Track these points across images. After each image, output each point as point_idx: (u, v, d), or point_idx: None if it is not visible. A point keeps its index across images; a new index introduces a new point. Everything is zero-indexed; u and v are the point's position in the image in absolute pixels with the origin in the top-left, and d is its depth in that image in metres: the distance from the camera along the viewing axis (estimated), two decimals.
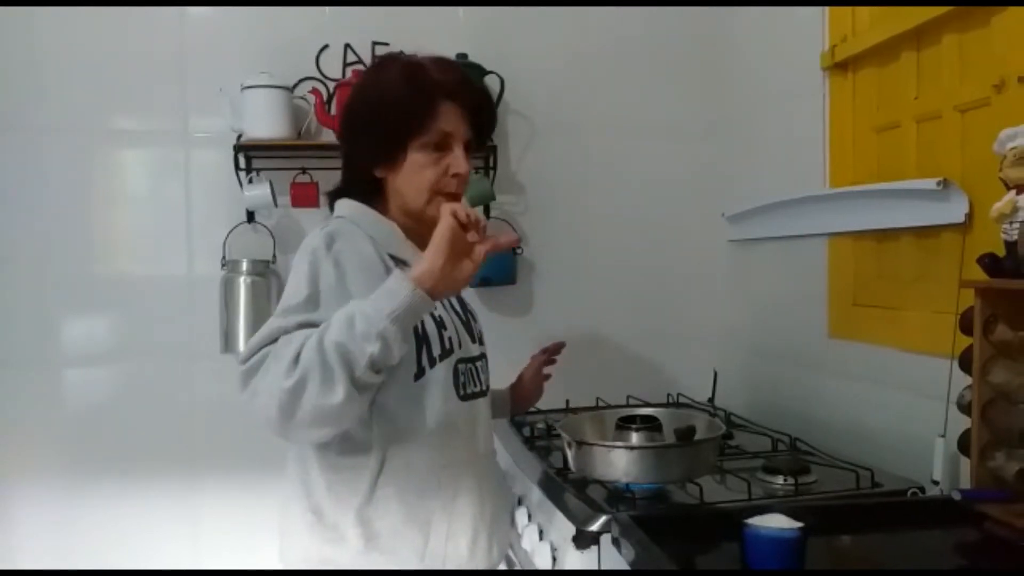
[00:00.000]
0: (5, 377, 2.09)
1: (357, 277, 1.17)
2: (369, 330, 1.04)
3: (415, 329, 1.18)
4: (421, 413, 1.21)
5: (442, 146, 1.23)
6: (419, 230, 1.27)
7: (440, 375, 1.24)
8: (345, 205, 1.30)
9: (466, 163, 1.26)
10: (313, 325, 1.10)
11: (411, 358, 1.19)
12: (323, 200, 2.07)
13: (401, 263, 1.23)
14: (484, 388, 1.36)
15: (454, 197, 1.25)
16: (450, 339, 1.27)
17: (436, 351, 1.23)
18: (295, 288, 1.17)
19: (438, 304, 1.24)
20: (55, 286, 2.10)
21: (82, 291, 2.12)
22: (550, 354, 1.65)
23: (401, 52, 1.29)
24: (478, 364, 1.34)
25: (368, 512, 1.19)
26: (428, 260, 1.10)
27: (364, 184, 1.28)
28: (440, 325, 1.26)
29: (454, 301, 1.35)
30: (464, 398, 1.28)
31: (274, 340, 1.11)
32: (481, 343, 1.39)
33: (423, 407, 1.21)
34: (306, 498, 1.22)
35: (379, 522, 1.19)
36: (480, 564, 1.27)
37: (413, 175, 1.23)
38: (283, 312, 1.16)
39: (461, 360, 1.29)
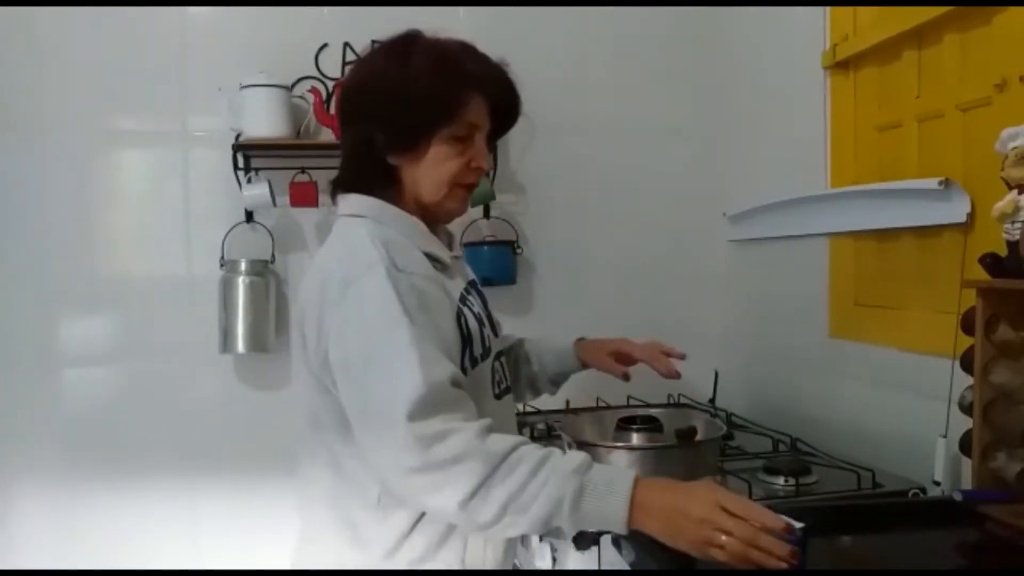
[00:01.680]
0: (5, 377, 2.08)
1: (428, 290, 1.09)
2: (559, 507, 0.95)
3: (460, 328, 1.12)
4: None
5: (465, 139, 1.17)
6: (427, 219, 1.20)
7: (481, 376, 1.17)
8: (361, 202, 1.18)
9: (488, 157, 1.21)
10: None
11: (455, 363, 1.10)
12: (323, 196, 2.11)
13: (433, 260, 1.16)
14: (509, 383, 1.30)
15: (470, 189, 1.21)
16: (488, 336, 1.20)
17: (478, 351, 1.15)
18: (389, 314, 1.02)
19: (474, 298, 1.20)
20: (54, 286, 2.10)
21: (81, 291, 2.11)
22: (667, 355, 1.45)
23: (421, 32, 1.19)
24: (503, 359, 1.28)
25: (413, 533, 1.10)
26: (670, 517, 0.95)
27: (376, 172, 1.17)
28: (480, 322, 1.18)
29: (478, 291, 1.29)
30: (498, 396, 1.23)
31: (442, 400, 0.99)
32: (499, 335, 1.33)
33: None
34: (339, 509, 1.13)
35: (419, 536, 1.10)
36: (508, 564, 1.23)
37: (435, 167, 1.16)
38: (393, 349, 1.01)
39: (495, 357, 1.23)
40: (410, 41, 1.17)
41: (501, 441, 0.98)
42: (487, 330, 1.20)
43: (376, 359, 1.02)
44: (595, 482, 0.96)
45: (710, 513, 0.93)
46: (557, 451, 0.99)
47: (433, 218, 1.21)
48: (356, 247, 1.09)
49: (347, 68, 2.12)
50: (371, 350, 1.02)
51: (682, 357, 1.43)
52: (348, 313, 1.05)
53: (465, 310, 1.16)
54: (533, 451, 0.98)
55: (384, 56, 1.18)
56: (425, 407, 0.97)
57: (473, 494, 0.95)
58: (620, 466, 1.01)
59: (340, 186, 1.21)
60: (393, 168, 1.17)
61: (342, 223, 1.19)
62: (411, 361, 0.99)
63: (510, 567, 1.26)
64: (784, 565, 0.92)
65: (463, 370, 1.10)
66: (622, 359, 1.45)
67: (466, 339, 1.13)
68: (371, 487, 1.10)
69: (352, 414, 1.06)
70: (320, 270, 1.12)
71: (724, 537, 0.92)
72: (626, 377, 1.44)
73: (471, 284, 1.27)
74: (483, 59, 1.19)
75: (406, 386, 0.98)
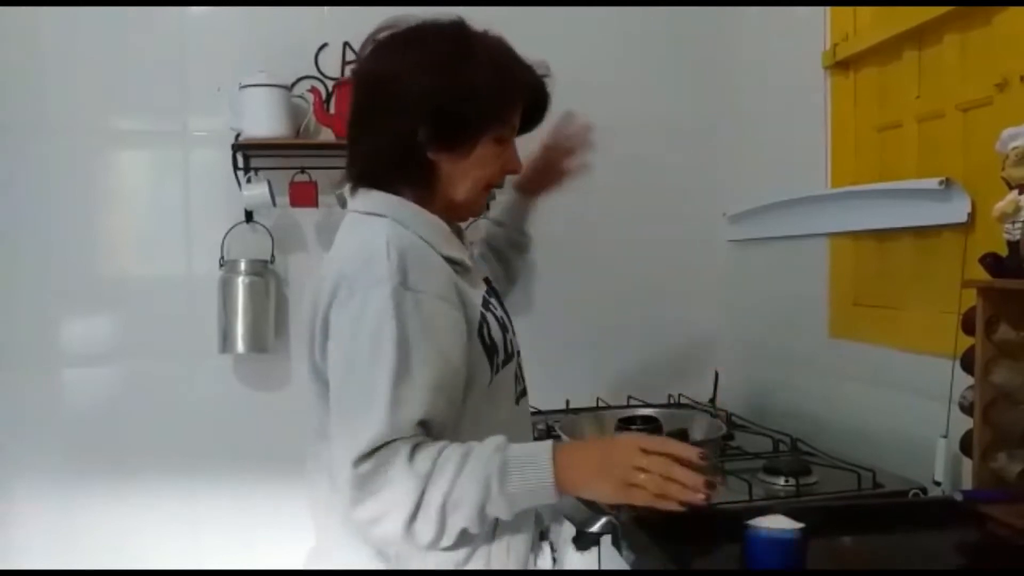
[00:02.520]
0: (5, 377, 2.08)
1: (438, 312, 1.04)
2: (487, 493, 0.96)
3: (483, 338, 1.08)
4: (492, 429, 1.06)
5: (505, 142, 1.16)
6: (447, 217, 1.17)
7: (503, 382, 1.14)
8: (383, 201, 1.12)
9: (520, 160, 1.20)
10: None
11: (484, 375, 1.08)
12: (323, 196, 2.10)
13: (454, 264, 1.12)
14: (525, 383, 1.26)
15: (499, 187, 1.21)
16: (511, 341, 1.17)
17: (501, 358, 1.12)
18: (378, 342, 0.99)
19: (494, 300, 1.17)
20: (54, 285, 2.10)
21: (81, 291, 2.11)
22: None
23: (464, 23, 1.15)
24: (519, 359, 1.23)
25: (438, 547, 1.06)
26: (593, 469, 0.98)
27: (412, 167, 1.12)
28: (503, 327, 1.15)
29: (494, 288, 1.26)
30: (517, 401, 1.19)
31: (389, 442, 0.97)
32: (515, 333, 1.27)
33: (493, 422, 1.09)
34: (352, 523, 1.08)
35: (445, 551, 1.06)
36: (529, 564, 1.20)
37: (478, 167, 1.13)
38: (365, 385, 0.99)
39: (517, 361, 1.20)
40: (463, 35, 1.13)
41: (429, 450, 0.97)
42: (510, 335, 1.17)
43: (353, 384, 1.00)
44: (516, 456, 0.98)
45: (630, 455, 0.97)
46: (476, 444, 1.00)
47: (455, 217, 1.19)
48: (372, 255, 1.04)
49: (346, 68, 2.12)
50: (354, 372, 1.01)
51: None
52: (346, 318, 1.03)
53: (489, 316, 1.12)
54: (455, 449, 0.98)
55: (434, 46, 1.11)
56: (376, 448, 0.96)
57: (414, 514, 0.95)
58: (538, 442, 1.02)
59: (365, 180, 1.15)
60: (430, 164, 1.12)
61: (361, 221, 1.13)
62: (382, 401, 0.96)
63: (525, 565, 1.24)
64: (699, 497, 0.96)
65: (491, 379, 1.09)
66: (549, 161, 1.48)
67: (490, 349, 1.09)
68: None
69: (333, 424, 1.04)
70: (334, 269, 1.08)
71: (642, 476, 0.96)
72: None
73: (487, 282, 1.23)
74: (527, 65, 1.18)
75: (366, 427, 0.96)
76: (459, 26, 1.14)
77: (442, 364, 1.01)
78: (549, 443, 1.00)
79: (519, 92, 1.15)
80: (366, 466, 0.95)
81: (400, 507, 0.95)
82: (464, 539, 1.04)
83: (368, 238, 1.08)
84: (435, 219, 1.14)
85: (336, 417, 1.02)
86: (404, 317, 1.00)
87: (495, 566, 1.09)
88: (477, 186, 1.15)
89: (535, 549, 1.19)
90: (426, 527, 0.96)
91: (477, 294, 1.14)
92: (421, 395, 0.99)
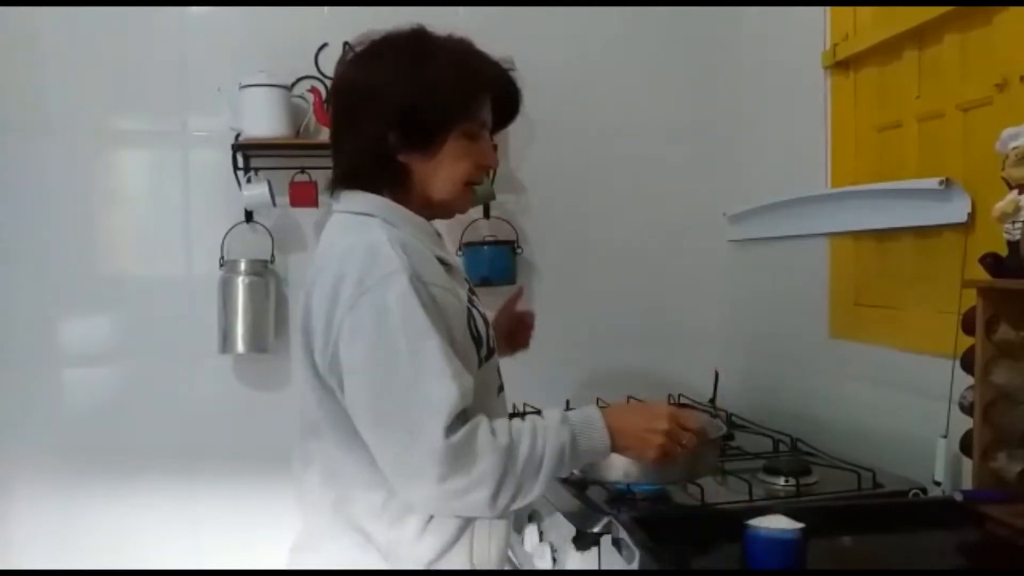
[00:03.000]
0: (4, 376, 2.08)
1: (446, 302, 1.09)
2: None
3: (471, 330, 1.13)
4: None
5: (476, 136, 1.17)
6: (428, 217, 1.20)
7: (488, 375, 1.17)
8: (371, 201, 1.16)
9: (495, 155, 1.22)
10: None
11: (472, 365, 1.11)
12: (323, 196, 2.10)
13: (442, 263, 1.15)
14: (502, 379, 1.30)
15: (479, 183, 1.23)
16: (492, 336, 1.20)
17: (484, 351, 1.16)
18: (416, 324, 1.02)
19: (476, 297, 1.21)
20: (54, 286, 2.09)
21: (81, 291, 2.11)
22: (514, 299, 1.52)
23: (426, 29, 1.19)
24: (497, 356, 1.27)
25: (425, 536, 1.10)
26: (639, 434, 1.11)
27: (385, 170, 1.15)
28: (486, 322, 1.19)
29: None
30: (497, 393, 1.23)
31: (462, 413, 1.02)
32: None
33: (484, 409, 1.11)
34: (344, 516, 1.12)
35: (430, 538, 1.10)
36: (504, 562, 1.23)
37: (449, 164, 1.15)
38: (427, 363, 1.02)
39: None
40: (422, 39, 1.17)
41: (503, 425, 1.05)
42: (490, 329, 1.21)
43: (400, 369, 1.01)
44: (578, 424, 1.09)
45: (672, 427, 1.12)
46: (535, 416, 1.09)
47: (438, 216, 1.21)
48: (376, 249, 1.06)
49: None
50: (396, 359, 1.01)
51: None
52: (365, 316, 1.03)
53: (474, 311, 1.16)
54: (522, 423, 1.07)
55: (394, 54, 1.16)
56: (458, 417, 1.00)
57: (500, 484, 1.01)
58: (585, 407, 1.13)
59: (344, 183, 1.18)
60: (402, 166, 1.15)
61: (352, 221, 1.15)
62: (445, 372, 1.01)
63: (507, 557, 1.26)
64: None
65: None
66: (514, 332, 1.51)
67: (476, 341, 1.14)
68: (374, 493, 1.09)
69: (363, 418, 1.05)
70: (332, 269, 1.08)
71: (679, 449, 1.12)
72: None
73: (467, 281, 1.27)
74: (491, 59, 1.20)
75: (442, 398, 1.00)
76: (418, 31, 1.19)
77: (456, 351, 1.06)
78: (596, 409, 1.11)
79: (481, 86, 1.17)
80: (457, 437, 0.99)
81: (489, 478, 1.01)
82: (449, 529, 1.10)
83: (364, 237, 1.10)
84: (421, 220, 1.18)
85: (383, 406, 1.03)
86: (425, 305, 1.03)
87: (477, 549, 1.14)
88: (453, 183, 1.17)
89: (521, 530, 1.25)
90: (507, 494, 1.03)
91: (463, 289, 1.18)
92: (463, 369, 1.05)
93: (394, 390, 1.02)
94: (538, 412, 1.88)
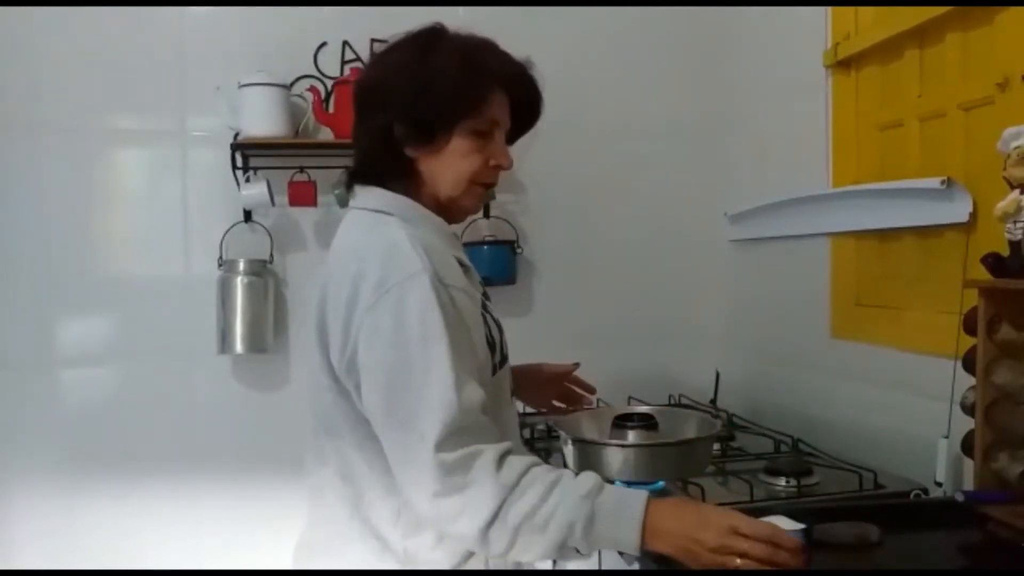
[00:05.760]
0: (2, 377, 2.07)
1: (465, 306, 1.07)
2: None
3: (487, 335, 1.11)
4: (498, 425, 1.08)
5: (486, 134, 1.15)
6: (443, 216, 1.18)
7: (501, 382, 1.16)
8: (388, 199, 1.14)
9: (509, 155, 1.19)
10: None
11: (487, 372, 1.10)
12: (322, 195, 2.10)
13: (460, 264, 1.14)
14: (514, 387, 1.30)
15: (488, 188, 1.20)
16: (506, 343, 1.19)
17: (498, 357, 1.14)
18: (430, 327, 1.00)
19: (490, 304, 1.18)
20: (52, 286, 2.09)
21: (79, 290, 2.11)
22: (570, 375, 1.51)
23: (444, 27, 1.17)
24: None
25: (443, 543, 1.07)
26: (683, 540, 0.96)
27: (392, 164, 1.14)
28: (499, 328, 1.17)
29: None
30: (510, 401, 1.23)
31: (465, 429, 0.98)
32: None
33: (496, 421, 1.08)
34: (360, 519, 1.10)
35: (448, 547, 1.08)
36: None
37: (456, 161, 1.13)
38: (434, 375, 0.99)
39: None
40: (433, 35, 1.16)
41: (516, 464, 0.99)
42: (504, 336, 1.19)
43: (413, 372, 0.99)
44: (606, 507, 0.97)
45: (725, 539, 0.95)
46: (568, 473, 1.00)
47: (448, 218, 1.19)
48: (397, 249, 1.05)
49: (346, 67, 2.12)
50: (409, 361, 0.99)
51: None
52: (384, 318, 1.01)
53: (488, 318, 1.14)
54: (544, 473, 0.99)
55: (405, 49, 1.15)
56: (453, 433, 0.97)
57: (491, 522, 0.96)
58: (633, 491, 1.01)
59: (356, 178, 1.18)
60: (410, 161, 1.14)
61: (369, 218, 1.13)
62: (448, 383, 0.98)
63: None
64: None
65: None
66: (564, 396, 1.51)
67: (491, 347, 1.12)
68: (391, 498, 1.07)
69: (378, 420, 1.04)
70: (351, 268, 1.06)
71: (739, 560, 0.94)
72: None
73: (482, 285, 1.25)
74: (506, 56, 1.18)
75: (439, 408, 0.97)
76: (431, 28, 1.17)
77: (473, 358, 1.05)
78: (643, 499, 0.98)
79: (489, 82, 1.14)
80: (449, 456, 0.96)
81: (479, 510, 0.96)
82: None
83: (384, 236, 1.08)
84: (439, 220, 1.16)
85: (399, 409, 1.01)
86: (444, 308, 1.01)
87: (494, 562, 1.10)
88: (460, 181, 1.14)
89: None
90: (501, 538, 0.97)
91: (478, 292, 1.15)
92: (473, 380, 1.01)
93: (405, 394, 1.00)
94: (537, 412, 1.88)
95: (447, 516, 0.98)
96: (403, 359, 1.00)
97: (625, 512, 0.97)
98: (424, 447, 0.96)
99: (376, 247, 1.07)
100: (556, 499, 0.96)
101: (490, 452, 0.98)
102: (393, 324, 1.01)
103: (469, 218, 2.18)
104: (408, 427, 0.99)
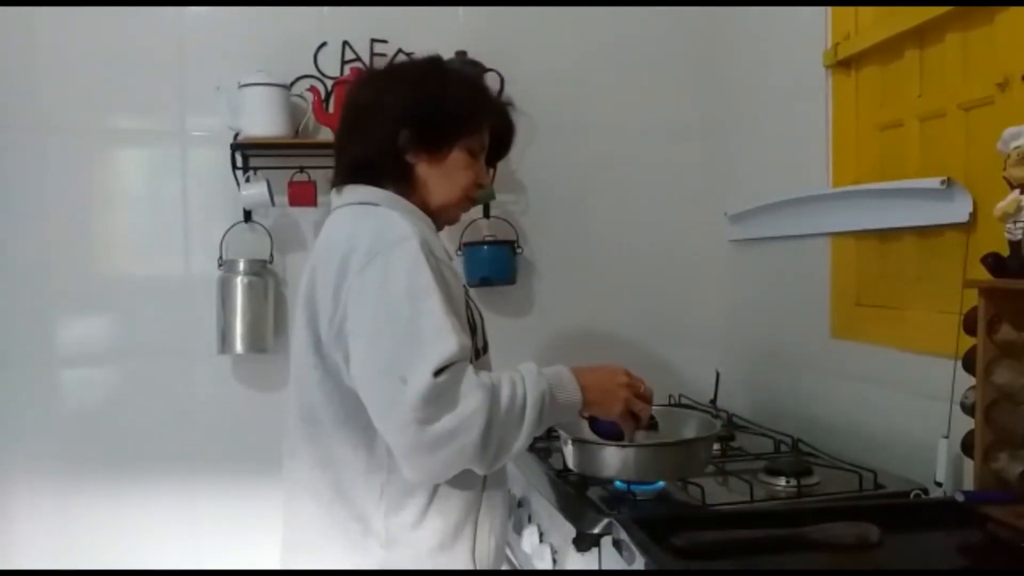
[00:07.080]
0: (2, 377, 2.07)
1: (451, 280, 1.16)
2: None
3: (468, 317, 1.18)
4: None
5: (477, 155, 1.28)
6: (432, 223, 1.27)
7: (484, 367, 1.21)
8: (374, 192, 1.21)
9: (487, 177, 1.34)
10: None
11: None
12: (322, 195, 2.10)
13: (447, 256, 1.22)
14: None
15: (472, 203, 1.31)
16: (486, 332, 1.28)
17: (480, 343, 1.22)
18: (422, 281, 1.06)
19: (472, 303, 1.26)
20: (52, 285, 2.09)
21: (79, 290, 2.11)
22: None
23: (438, 56, 1.32)
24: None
25: (425, 521, 1.13)
26: (602, 391, 1.18)
27: (391, 165, 1.22)
28: (481, 316, 1.27)
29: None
30: None
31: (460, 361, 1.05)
32: None
33: None
34: (342, 505, 1.14)
35: (431, 523, 1.13)
36: (502, 556, 1.26)
37: (454, 172, 1.25)
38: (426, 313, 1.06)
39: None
40: (442, 62, 1.30)
41: (484, 373, 1.07)
42: (484, 324, 1.27)
43: (399, 324, 1.04)
44: (553, 377, 1.13)
45: (627, 378, 1.21)
46: (512, 372, 1.11)
47: (440, 224, 1.29)
48: (387, 222, 1.13)
49: (346, 67, 2.12)
50: (397, 315, 1.04)
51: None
52: (372, 279, 1.07)
53: (471, 302, 1.23)
54: (500, 374, 1.09)
55: (415, 70, 1.29)
56: (451, 368, 1.01)
57: (487, 429, 1.02)
58: (552, 367, 1.18)
59: (348, 177, 1.25)
60: (409, 166, 1.23)
61: (356, 210, 1.20)
62: (446, 327, 1.03)
63: (504, 554, 1.28)
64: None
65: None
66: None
67: (472, 329, 1.19)
68: (372, 476, 1.11)
69: (363, 373, 1.06)
70: (340, 248, 1.11)
71: (640, 405, 1.21)
72: None
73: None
74: (497, 94, 1.36)
75: (439, 350, 1.01)
76: (435, 57, 1.31)
77: (462, 321, 1.11)
78: (566, 366, 1.17)
79: (489, 111, 1.29)
80: (442, 378, 1.00)
81: (476, 418, 1.01)
82: (449, 516, 1.13)
83: (372, 218, 1.15)
84: (424, 215, 1.24)
85: (379, 357, 1.05)
86: (433, 270, 1.07)
87: (479, 542, 1.16)
88: (452, 192, 1.25)
89: (521, 531, 1.28)
90: (494, 441, 1.04)
91: (463, 281, 1.24)
92: (465, 332, 1.08)
93: (393, 345, 1.04)
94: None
95: (444, 438, 1.01)
96: (391, 313, 1.05)
97: (563, 376, 1.15)
98: (414, 382, 0.99)
99: (358, 228, 1.14)
100: (522, 385, 1.08)
101: (468, 367, 1.05)
102: (381, 283, 1.06)
103: (469, 218, 2.21)
104: (395, 373, 1.02)
